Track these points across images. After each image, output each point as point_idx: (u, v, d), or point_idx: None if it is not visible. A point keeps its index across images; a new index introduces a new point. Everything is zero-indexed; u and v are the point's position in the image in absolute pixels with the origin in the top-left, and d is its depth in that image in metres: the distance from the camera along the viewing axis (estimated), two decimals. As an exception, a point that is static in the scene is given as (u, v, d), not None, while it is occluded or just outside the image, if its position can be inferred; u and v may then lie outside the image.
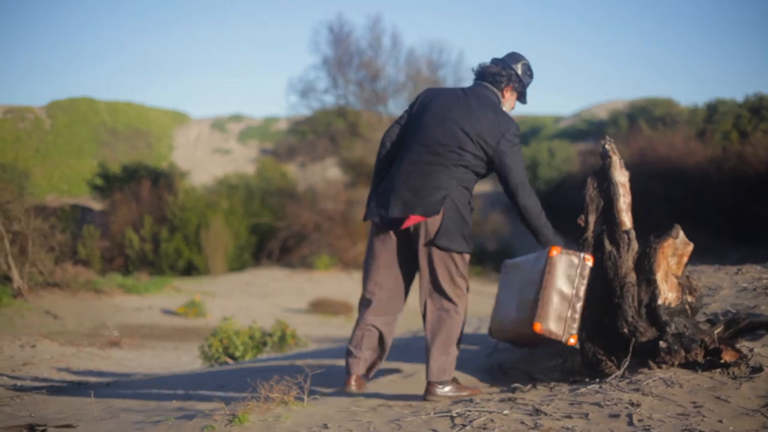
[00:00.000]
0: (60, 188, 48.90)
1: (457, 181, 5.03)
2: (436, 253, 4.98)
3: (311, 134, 44.48)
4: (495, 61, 5.32)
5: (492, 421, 4.31)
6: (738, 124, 44.51)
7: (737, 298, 6.52)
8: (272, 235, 35.31)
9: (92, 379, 9.65)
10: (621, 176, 5.43)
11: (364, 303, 5.18)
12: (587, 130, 54.59)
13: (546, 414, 4.36)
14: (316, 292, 26.79)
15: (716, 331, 5.29)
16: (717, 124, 44.65)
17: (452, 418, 4.43)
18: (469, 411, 4.51)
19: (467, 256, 5.09)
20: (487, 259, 36.90)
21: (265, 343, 9.13)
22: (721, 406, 4.38)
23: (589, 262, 5.11)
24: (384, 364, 5.46)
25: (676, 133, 43.82)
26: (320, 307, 23.90)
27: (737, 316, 5.59)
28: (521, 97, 5.38)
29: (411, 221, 4.97)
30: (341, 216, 34.45)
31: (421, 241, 4.99)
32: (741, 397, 4.49)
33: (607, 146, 5.48)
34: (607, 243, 5.37)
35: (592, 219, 5.48)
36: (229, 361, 8.95)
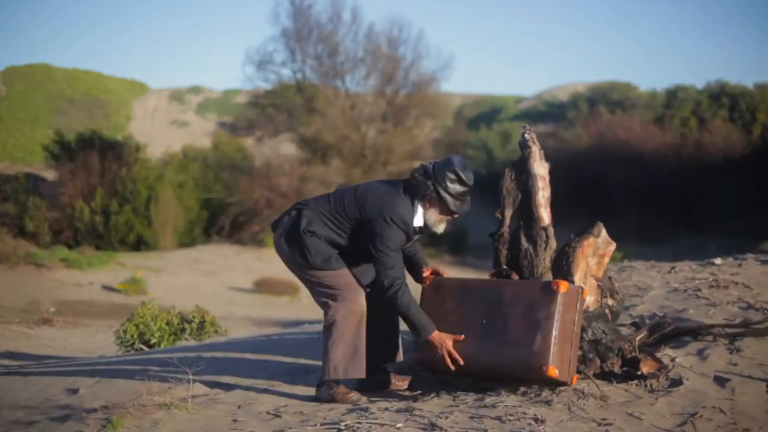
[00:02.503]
0: (14, 156, 48.09)
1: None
2: None
3: (270, 108, 43.91)
4: (425, 169, 4.92)
5: (382, 435, 3.94)
6: (697, 111, 44.50)
7: (666, 299, 6.19)
8: (224, 210, 34.79)
9: (6, 362, 9.23)
10: (541, 168, 5.04)
11: None
12: (548, 112, 54.51)
13: (442, 429, 3.99)
14: (264, 271, 26.36)
15: (639, 337, 4.95)
16: (676, 109, 44.64)
17: (340, 430, 4.05)
18: (360, 423, 4.13)
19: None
20: (441, 240, 36.66)
21: (183, 330, 8.72)
22: (633, 425, 4.03)
23: (584, 295, 4.65)
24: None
25: (634, 118, 43.72)
26: (265, 286, 23.46)
27: (663, 320, 5.28)
28: (448, 209, 4.89)
29: None
30: (295, 193, 33.94)
31: None
32: (655, 414, 4.15)
33: (526, 135, 5.09)
34: (523, 240, 5.00)
35: (508, 213, 5.09)
36: (144, 348, 8.54)
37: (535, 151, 5.07)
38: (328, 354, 4.88)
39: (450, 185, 4.82)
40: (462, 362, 4.68)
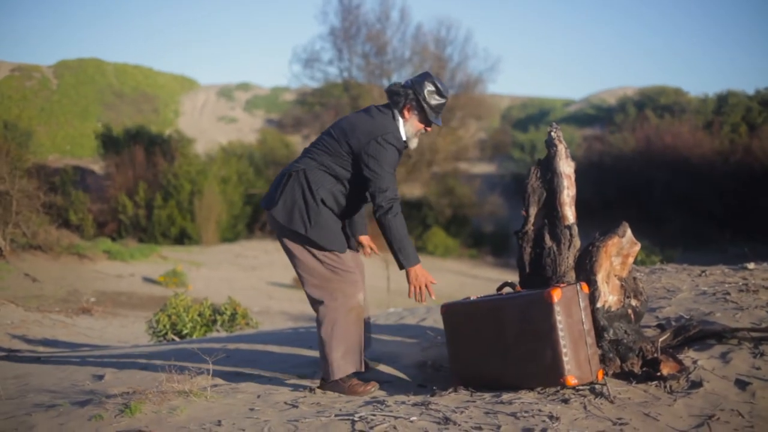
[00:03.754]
0: (63, 149, 48.70)
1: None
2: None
3: (318, 106, 44.14)
4: (404, 82, 5.15)
5: (395, 428, 3.94)
6: (748, 117, 43.97)
7: (694, 302, 6.11)
8: (267, 206, 34.84)
9: (41, 349, 9.36)
10: (566, 167, 5.01)
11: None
12: (595, 115, 54.18)
13: (455, 423, 3.98)
14: (305, 267, 26.43)
15: (662, 339, 4.91)
16: (726, 116, 44.10)
17: (353, 422, 4.05)
18: (374, 415, 4.13)
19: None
20: (484, 241, 36.58)
21: (215, 321, 8.77)
22: (649, 425, 4.00)
23: (585, 290, 4.62)
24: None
25: (683, 123, 43.31)
26: (304, 282, 23.49)
27: (688, 323, 5.22)
28: (426, 118, 5.08)
29: None
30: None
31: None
32: (672, 416, 4.11)
33: (553, 134, 5.06)
34: (547, 238, 4.98)
35: (533, 211, 5.08)
36: (176, 338, 8.61)
37: (561, 149, 5.04)
38: (331, 354, 4.90)
39: (428, 95, 5.03)
40: (433, 296, 4.84)
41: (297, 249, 5.03)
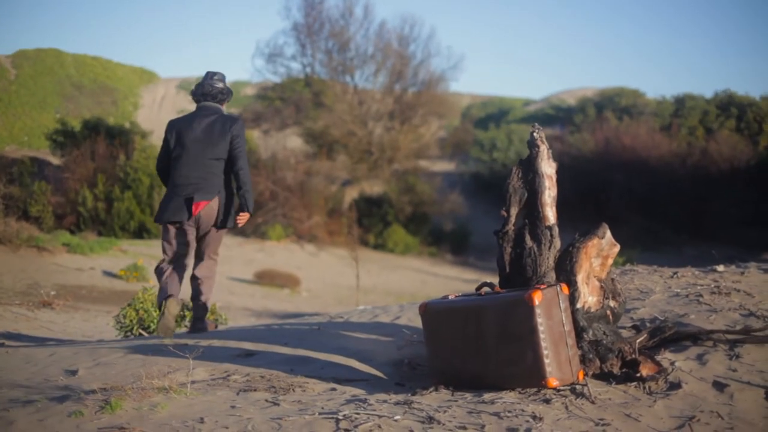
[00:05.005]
0: (20, 140, 48.05)
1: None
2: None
3: (278, 101, 44.00)
4: (210, 80, 7.56)
5: (379, 427, 3.94)
6: (705, 121, 44.47)
7: (668, 303, 6.17)
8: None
9: (3, 341, 9.23)
10: (548, 167, 5.04)
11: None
12: (555, 116, 54.46)
13: (439, 423, 3.99)
14: (265, 263, 26.36)
15: (639, 340, 4.95)
16: (684, 118, 44.59)
17: (337, 420, 4.04)
18: (358, 414, 4.12)
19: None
20: (444, 239, 36.66)
21: (183, 317, 8.69)
22: (630, 426, 4.04)
23: (565, 291, 4.63)
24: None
25: (641, 125, 43.70)
26: (266, 278, 23.41)
27: (664, 324, 5.27)
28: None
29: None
30: (299, 187, 33.99)
31: None
32: (653, 417, 4.16)
33: (535, 134, 5.09)
34: (528, 238, 5.00)
35: (514, 211, 5.09)
36: (144, 333, 8.52)
37: (543, 150, 5.07)
38: (209, 296, 7.47)
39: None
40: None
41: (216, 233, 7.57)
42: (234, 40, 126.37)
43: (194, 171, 7.19)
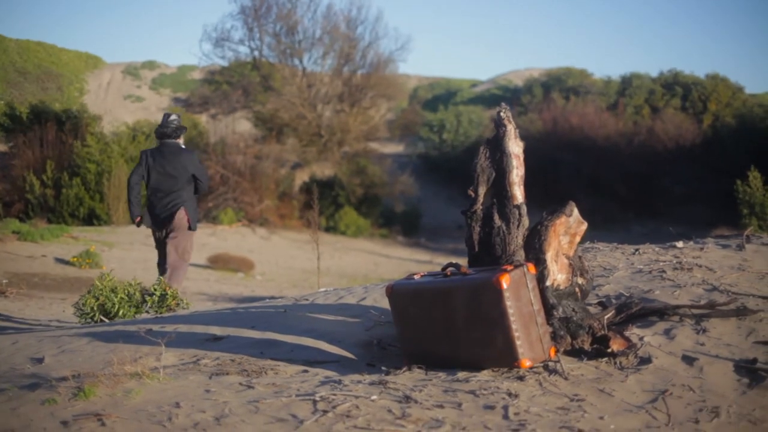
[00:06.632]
0: (-37, 127, 47.21)
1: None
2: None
3: (225, 85, 43.71)
4: (167, 120, 9.99)
5: (357, 407, 3.95)
6: (650, 99, 44.93)
7: (632, 280, 6.25)
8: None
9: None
10: (515, 147, 5.07)
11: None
12: (502, 96, 54.56)
13: (416, 402, 4.01)
14: (218, 247, 26.21)
15: (606, 316, 5.01)
16: (630, 97, 45.02)
17: (315, 402, 4.05)
18: (335, 395, 4.13)
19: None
20: (395, 221, 36.71)
21: (144, 302, 8.63)
22: (604, 401, 4.09)
23: (532, 271, 4.62)
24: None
25: (588, 105, 44.04)
26: (219, 262, 23.29)
27: (630, 300, 5.35)
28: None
29: None
30: (249, 171, 33.80)
31: None
32: (626, 391, 4.22)
33: (502, 114, 5.12)
34: (496, 217, 5.03)
35: (482, 191, 5.12)
36: (105, 320, 8.45)
37: (510, 129, 5.10)
38: (179, 283, 9.64)
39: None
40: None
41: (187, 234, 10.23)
42: (180, 25, 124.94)
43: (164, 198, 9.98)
